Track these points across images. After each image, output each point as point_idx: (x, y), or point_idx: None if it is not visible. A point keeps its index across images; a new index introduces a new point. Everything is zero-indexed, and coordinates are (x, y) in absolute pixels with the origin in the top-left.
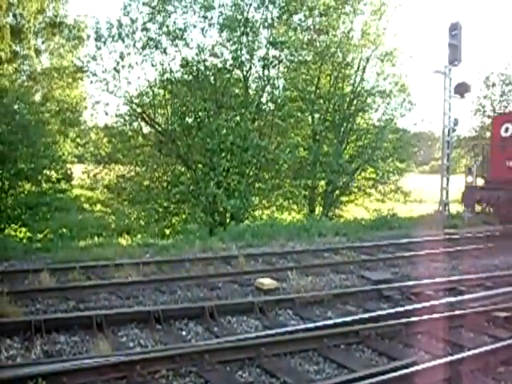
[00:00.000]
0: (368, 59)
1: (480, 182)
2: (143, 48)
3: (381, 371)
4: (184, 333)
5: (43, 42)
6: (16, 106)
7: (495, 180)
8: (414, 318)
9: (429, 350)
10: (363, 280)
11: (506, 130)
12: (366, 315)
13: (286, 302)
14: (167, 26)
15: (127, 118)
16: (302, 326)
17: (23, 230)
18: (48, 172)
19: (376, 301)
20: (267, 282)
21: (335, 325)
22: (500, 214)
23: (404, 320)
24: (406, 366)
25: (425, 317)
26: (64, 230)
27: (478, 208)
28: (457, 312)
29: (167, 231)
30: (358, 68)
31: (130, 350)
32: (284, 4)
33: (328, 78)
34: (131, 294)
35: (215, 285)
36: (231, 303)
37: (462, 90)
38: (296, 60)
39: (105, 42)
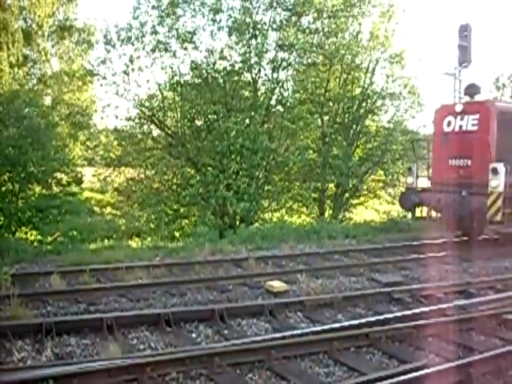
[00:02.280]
0: (377, 61)
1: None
2: (153, 51)
3: (391, 374)
4: (194, 335)
5: (53, 46)
6: (26, 110)
7: (438, 181)
8: (424, 321)
9: (439, 353)
10: (373, 282)
11: (449, 123)
12: (376, 318)
13: (295, 304)
14: (176, 29)
15: (137, 120)
16: (312, 329)
17: (34, 232)
18: (58, 175)
19: (386, 303)
20: (277, 284)
21: (345, 327)
22: (442, 219)
23: (414, 323)
24: (417, 369)
25: (435, 319)
26: (74, 233)
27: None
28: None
29: (177, 234)
30: (367, 70)
31: (140, 353)
32: (292, 6)
33: (337, 80)
34: (141, 297)
35: (225, 287)
36: (241, 306)
37: (471, 91)
38: (305, 62)
39: (114, 46)
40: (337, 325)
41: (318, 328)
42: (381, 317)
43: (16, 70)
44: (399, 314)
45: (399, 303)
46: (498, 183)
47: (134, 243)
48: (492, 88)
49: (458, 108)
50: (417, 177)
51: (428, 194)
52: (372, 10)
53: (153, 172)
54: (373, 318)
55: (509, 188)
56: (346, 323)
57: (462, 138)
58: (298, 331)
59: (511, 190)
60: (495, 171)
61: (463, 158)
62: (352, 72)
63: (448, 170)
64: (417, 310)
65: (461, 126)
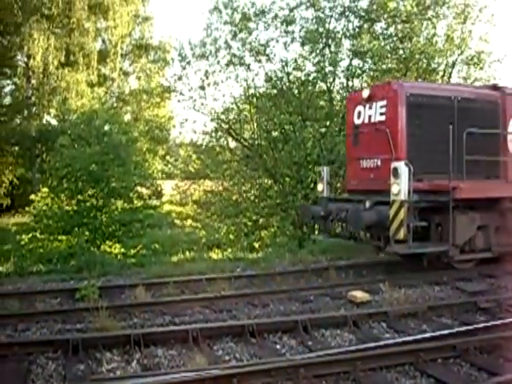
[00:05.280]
0: (453, 64)
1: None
2: (227, 65)
3: None
4: (278, 346)
5: (130, 65)
6: (107, 127)
7: (351, 187)
8: None
9: None
10: (458, 291)
11: (359, 114)
12: (463, 328)
13: (379, 314)
14: (250, 43)
15: (214, 134)
16: (397, 340)
17: (117, 246)
18: (139, 189)
19: (472, 313)
20: (360, 294)
21: (431, 338)
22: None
23: (504, 333)
24: (508, 382)
25: None
26: (156, 246)
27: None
28: None
29: (256, 245)
30: (444, 74)
31: (225, 364)
32: (365, 13)
33: None
34: (225, 308)
35: (307, 298)
36: (324, 316)
37: None
38: (379, 69)
39: (189, 62)
40: (422, 335)
41: (403, 339)
42: (468, 327)
43: (95, 89)
44: (487, 324)
45: (486, 313)
46: (399, 189)
47: (215, 255)
48: None
49: (365, 93)
50: (328, 183)
51: (336, 205)
52: (447, 12)
53: (231, 184)
54: (460, 329)
55: (422, 194)
56: (432, 334)
57: (371, 132)
58: (383, 342)
59: (427, 196)
60: (396, 173)
61: (372, 157)
62: (428, 76)
63: (359, 174)
64: (506, 320)
65: (370, 117)
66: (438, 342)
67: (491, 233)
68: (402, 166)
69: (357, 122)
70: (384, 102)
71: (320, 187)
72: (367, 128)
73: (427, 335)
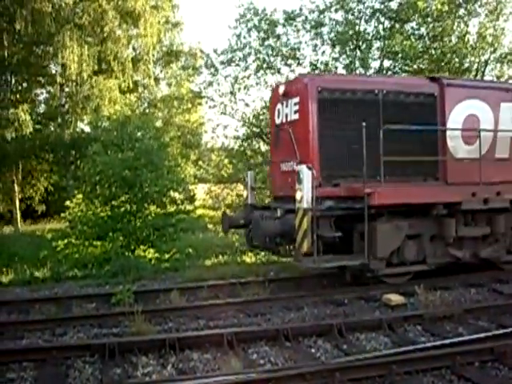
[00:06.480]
0: (486, 63)
1: None
2: (257, 71)
3: None
4: (313, 350)
5: (161, 71)
6: (139, 133)
7: (274, 192)
8: None
9: None
10: (495, 294)
11: (279, 113)
12: (501, 331)
13: (414, 317)
14: (279, 48)
15: (246, 138)
16: (433, 343)
17: (151, 250)
18: (172, 194)
19: (510, 316)
20: (395, 297)
21: (468, 341)
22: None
23: None
24: None
25: None
26: (190, 250)
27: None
28: None
29: None
30: (477, 73)
31: (260, 368)
32: (395, 14)
33: None
34: (259, 312)
35: (341, 301)
36: (359, 320)
37: None
38: (411, 69)
39: (216, 69)
40: (459, 339)
41: (440, 342)
42: (506, 330)
43: (128, 95)
44: None
45: None
46: (301, 195)
47: (248, 258)
48: None
49: (281, 90)
50: (252, 189)
51: (258, 213)
52: (479, 9)
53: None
54: (497, 331)
55: (340, 201)
56: (469, 337)
57: (287, 132)
58: (419, 345)
59: (344, 203)
60: (298, 177)
61: (289, 160)
62: (461, 76)
63: (280, 178)
64: None
65: (286, 116)
66: (475, 345)
67: (425, 243)
68: (304, 170)
69: (277, 121)
70: (297, 99)
71: (245, 193)
72: (284, 128)
73: (464, 338)
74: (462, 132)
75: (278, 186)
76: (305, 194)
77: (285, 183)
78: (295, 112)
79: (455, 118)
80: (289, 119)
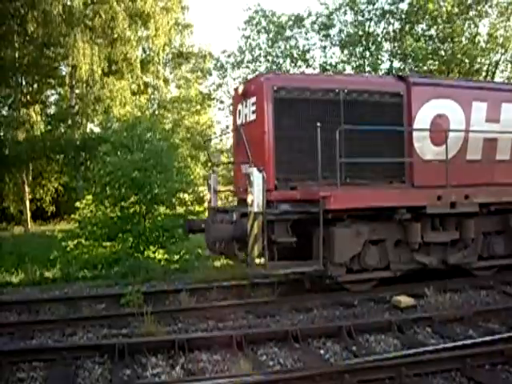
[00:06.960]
0: (497, 64)
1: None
2: (267, 72)
3: None
4: (322, 352)
5: (171, 72)
6: (149, 134)
7: (238, 195)
8: None
9: None
10: (505, 296)
11: (239, 113)
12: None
13: (424, 320)
14: (288, 50)
15: None
16: (443, 345)
17: (161, 251)
18: (181, 195)
19: None
20: (404, 299)
21: (478, 344)
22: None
23: None
24: None
25: None
26: (199, 251)
27: None
28: None
29: None
30: (487, 74)
31: (269, 369)
32: (405, 15)
33: None
34: (268, 313)
35: (351, 303)
36: (368, 322)
37: None
38: (421, 70)
39: (226, 70)
40: (469, 341)
41: (449, 344)
42: None
43: (138, 96)
44: None
45: None
46: (252, 199)
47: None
48: None
49: (240, 89)
50: (215, 192)
51: (220, 216)
52: (489, 10)
53: None
54: (508, 334)
55: (297, 205)
56: (480, 339)
57: (246, 133)
58: (428, 348)
59: (301, 207)
60: (249, 180)
61: (247, 161)
62: (471, 77)
63: (241, 180)
64: None
65: (246, 116)
66: (485, 348)
67: (389, 248)
68: (254, 173)
69: (238, 121)
70: (254, 99)
71: (208, 196)
72: (243, 129)
73: (475, 341)
74: (430, 132)
75: (239, 188)
76: (255, 198)
77: (245, 185)
78: (253, 112)
79: (422, 117)
80: (247, 120)
